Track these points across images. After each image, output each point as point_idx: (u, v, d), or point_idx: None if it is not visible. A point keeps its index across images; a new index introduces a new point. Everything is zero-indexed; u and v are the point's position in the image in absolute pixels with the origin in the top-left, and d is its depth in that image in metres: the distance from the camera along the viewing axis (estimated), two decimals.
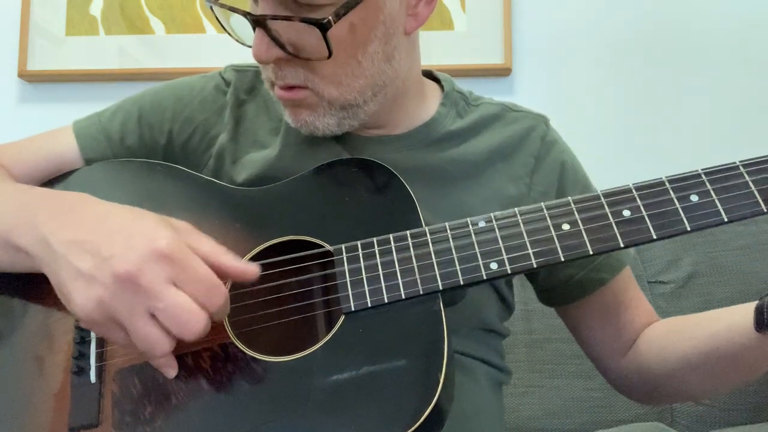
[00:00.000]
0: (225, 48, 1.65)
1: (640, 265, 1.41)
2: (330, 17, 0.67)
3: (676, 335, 0.82)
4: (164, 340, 0.58)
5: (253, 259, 0.70)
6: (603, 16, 1.65)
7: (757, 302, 0.68)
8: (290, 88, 0.74)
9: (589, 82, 1.64)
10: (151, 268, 0.57)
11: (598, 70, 1.64)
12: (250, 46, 0.72)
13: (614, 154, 1.61)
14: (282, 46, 0.70)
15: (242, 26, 0.74)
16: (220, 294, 0.59)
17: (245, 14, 0.70)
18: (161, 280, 0.57)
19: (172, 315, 0.57)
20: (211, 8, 0.74)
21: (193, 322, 0.57)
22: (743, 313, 0.71)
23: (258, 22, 0.69)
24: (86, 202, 0.66)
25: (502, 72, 1.62)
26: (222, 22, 0.75)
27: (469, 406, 0.75)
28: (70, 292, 0.59)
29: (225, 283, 0.61)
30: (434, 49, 1.62)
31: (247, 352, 0.64)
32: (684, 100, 1.62)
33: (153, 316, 0.58)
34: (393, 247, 0.66)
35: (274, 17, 0.69)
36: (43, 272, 0.63)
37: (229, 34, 0.75)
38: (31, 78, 1.67)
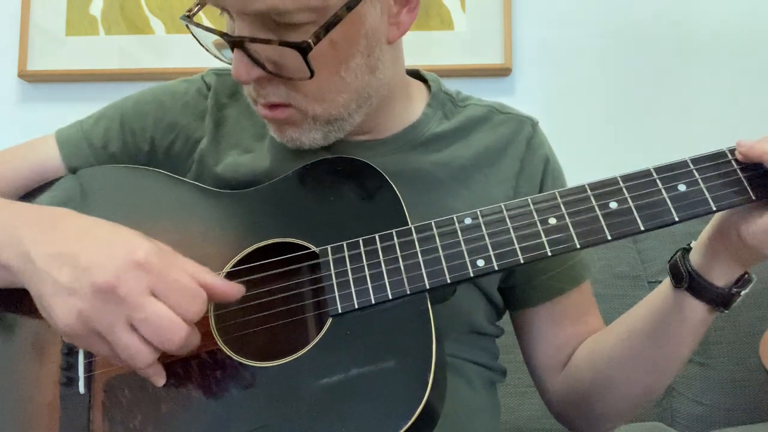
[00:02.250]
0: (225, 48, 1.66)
1: (640, 265, 1.41)
2: (310, 39, 0.65)
3: (601, 335, 0.82)
4: (146, 351, 0.58)
5: (239, 262, 0.69)
6: (603, 16, 1.65)
7: (669, 263, 0.71)
8: (273, 106, 0.73)
9: (589, 82, 1.64)
10: (129, 279, 0.57)
11: (598, 70, 1.64)
12: (229, 64, 0.70)
13: (614, 153, 1.61)
14: (262, 66, 0.68)
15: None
16: (201, 302, 0.59)
17: (222, 35, 0.68)
18: (140, 291, 0.57)
19: (152, 326, 0.57)
20: (187, 26, 0.72)
21: (174, 332, 0.57)
22: (659, 289, 0.73)
23: (236, 44, 0.67)
24: (67, 216, 0.66)
25: (502, 72, 1.62)
26: (199, 39, 0.73)
27: (462, 407, 0.75)
28: (51, 306, 0.59)
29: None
30: (434, 49, 1.62)
31: (235, 358, 0.64)
32: (685, 100, 1.62)
33: (134, 327, 0.57)
34: (379, 247, 0.66)
35: (253, 40, 0.66)
36: (25, 287, 0.63)
37: (208, 50, 0.73)
38: (31, 78, 1.67)
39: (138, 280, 0.57)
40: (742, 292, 0.68)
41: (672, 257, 0.71)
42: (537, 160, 0.85)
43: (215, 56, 0.74)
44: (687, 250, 0.70)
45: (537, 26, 1.64)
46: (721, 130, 1.61)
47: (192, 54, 1.65)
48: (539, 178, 0.85)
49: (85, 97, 1.67)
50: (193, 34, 0.73)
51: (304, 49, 0.65)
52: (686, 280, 0.68)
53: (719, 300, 0.68)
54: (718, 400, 1.31)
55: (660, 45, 1.63)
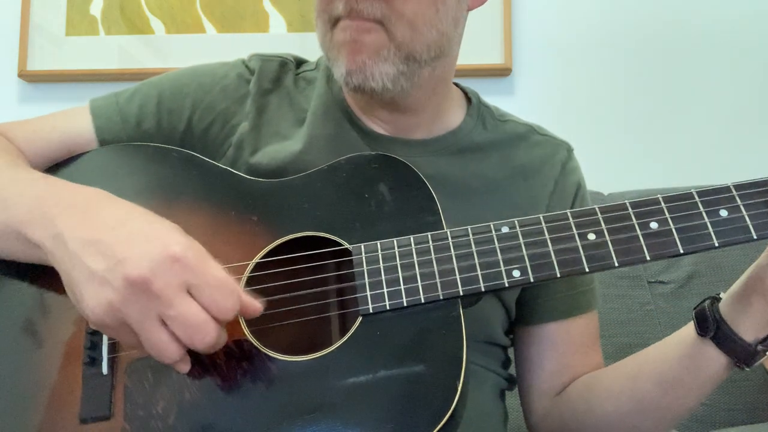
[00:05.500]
0: (225, 48, 1.66)
1: (641, 265, 1.41)
2: None
3: (603, 371, 0.80)
4: (174, 347, 0.57)
5: (269, 254, 0.68)
6: (603, 16, 1.65)
7: (695, 310, 0.68)
8: (361, 25, 0.71)
9: (588, 82, 1.64)
10: (164, 274, 0.56)
11: (598, 70, 1.64)
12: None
13: (614, 153, 1.61)
14: None
15: None
16: (236, 299, 0.58)
17: None
18: (174, 287, 0.56)
19: (182, 324, 0.56)
20: None
21: (205, 333, 0.57)
22: (678, 334, 0.70)
23: None
24: (104, 200, 0.64)
25: (502, 72, 1.62)
26: None
27: (473, 411, 0.75)
28: (81, 293, 0.58)
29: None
30: None
31: (262, 350, 0.63)
32: (684, 100, 1.62)
33: (164, 323, 0.57)
34: (413, 249, 0.65)
35: None
36: (54, 267, 0.62)
37: None
38: (31, 78, 1.67)
39: (173, 276, 0.56)
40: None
41: (699, 304, 0.69)
42: (570, 184, 0.86)
43: None
44: (716, 299, 0.68)
45: (537, 26, 1.64)
46: (722, 130, 1.61)
47: (192, 54, 1.65)
48: (570, 202, 0.86)
49: (85, 97, 1.65)
50: None
51: None
52: (713, 329, 0.66)
53: (741, 355, 0.65)
54: (718, 400, 1.31)
55: (660, 44, 1.63)
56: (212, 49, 1.65)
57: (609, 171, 1.57)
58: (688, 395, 0.70)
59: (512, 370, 0.86)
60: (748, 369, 0.66)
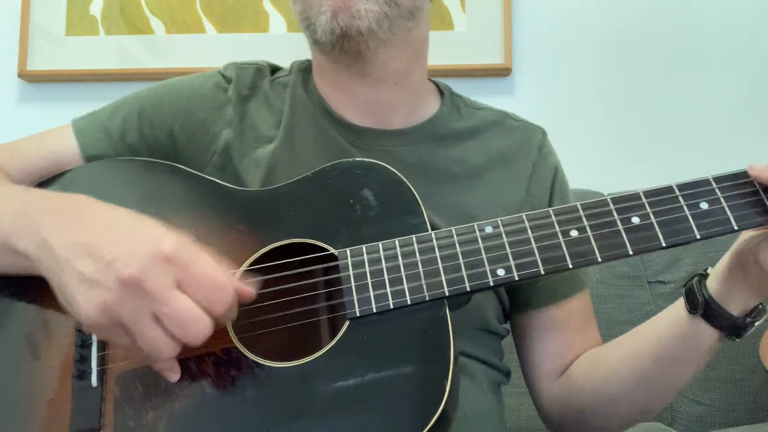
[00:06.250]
0: (225, 48, 1.66)
1: (641, 265, 1.41)
2: None
3: (603, 350, 0.82)
4: (169, 344, 0.58)
5: (256, 262, 0.69)
6: (603, 16, 1.65)
7: (684, 288, 0.70)
8: None
9: (588, 82, 1.64)
10: (155, 272, 0.56)
11: (597, 70, 1.64)
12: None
13: (614, 154, 1.61)
14: None
15: None
16: (227, 295, 0.59)
17: None
18: (166, 284, 0.56)
19: (177, 320, 0.57)
20: None
21: (198, 327, 0.57)
22: (670, 312, 0.73)
23: None
24: (87, 204, 0.65)
25: (502, 72, 1.62)
26: None
27: (470, 408, 0.75)
28: (73, 297, 0.58)
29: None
30: (434, 49, 1.60)
31: (251, 357, 0.64)
32: (684, 100, 1.62)
33: (158, 320, 0.57)
34: (398, 252, 0.65)
35: None
36: (42, 276, 0.62)
37: None
38: (31, 78, 1.67)
39: (164, 274, 0.57)
40: (756, 323, 0.67)
41: (687, 282, 0.70)
42: (548, 167, 0.88)
43: None
44: (704, 275, 0.70)
45: (537, 26, 1.64)
46: (721, 130, 1.61)
47: (192, 54, 1.65)
48: (549, 184, 0.87)
49: (85, 97, 1.67)
50: None
51: None
52: (702, 306, 0.68)
53: (732, 329, 0.67)
54: (718, 400, 1.31)
55: (660, 45, 1.63)
56: (212, 49, 1.65)
57: (609, 171, 1.58)
58: (687, 369, 0.73)
59: (507, 362, 0.87)
60: (739, 340, 0.69)
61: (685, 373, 0.73)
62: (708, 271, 0.70)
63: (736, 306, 0.67)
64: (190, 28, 1.66)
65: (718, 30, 1.63)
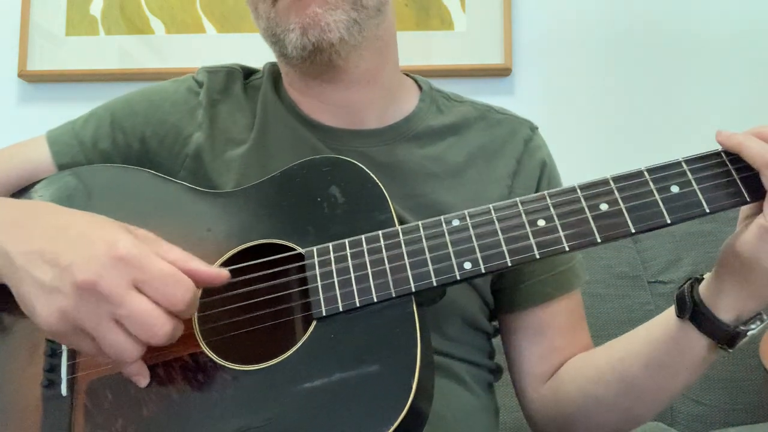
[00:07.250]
0: (225, 48, 1.66)
1: (641, 265, 1.41)
2: None
3: (592, 353, 0.81)
4: (132, 347, 0.57)
5: (224, 264, 0.68)
6: (603, 16, 1.65)
7: (677, 292, 0.68)
8: None
9: (588, 82, 1.64)
10: (110, 274, 0.56)
11: (597, 70, 1.64)
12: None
13: (613, 154, 1.61)
14: None
15: None
16: (186, 289, 0.58)
17: None
18: (122, 286, 0.56)
19: (136, 321, 0.56)
20: None
21: (158, 326, 0.57)
22: (662, 315, 0.71)
23: None
24: (44, 211, 0.65)
25: (502, 72, 1.62)
26: None
27: (457, 409, 0.75)
28: (33, 305, 0.58)
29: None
30: (434, 49, 1.62)
31: (218, 362, 0.63)
32: (684, 100, 1.62)
33: (118, 323, 0.57)
34: (365, 249, 0.64)
35: None
36: (5, 284, 0.62)
37: None
38: (31, 78, 1.67)
39: (120, 276, 0.56)
40: (749, 332, 0.64)
41: (681, 285, 0.68)
42: (534, 163, 0.85)
43: None
44: (698, 280, 0.68)
45: (537, 26, 1.64)
46: (722, 129, 1.61)
47: (192, 54, 1.65)
48: (535, 181, 0.85)
49: (85, 97, 1.67)
50: None
51: None
52: (689, 309, 0.66)
53: (722, 336, 0.64)
54: (718, 400, 1.31)
55: (660, 45, 1.63)
56: (212, 49, 1.65)
57: (609, 170, 1.57)
58: (677, 377, 0.70)
59: (498, 360, 0.86)
60: (731, 350, 0.65)
61: (673, 382, 0.71)
62: (704, 276, 0.68)
63: (726, 310, 0.64)
64: (190, 28, 1.66)
65: (718, 30, 1.62)
